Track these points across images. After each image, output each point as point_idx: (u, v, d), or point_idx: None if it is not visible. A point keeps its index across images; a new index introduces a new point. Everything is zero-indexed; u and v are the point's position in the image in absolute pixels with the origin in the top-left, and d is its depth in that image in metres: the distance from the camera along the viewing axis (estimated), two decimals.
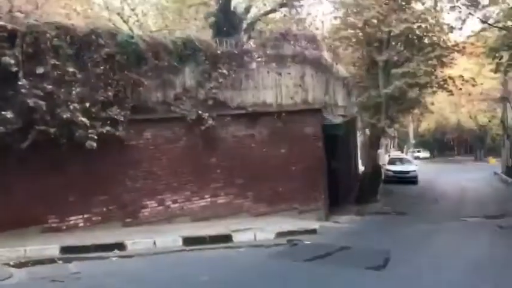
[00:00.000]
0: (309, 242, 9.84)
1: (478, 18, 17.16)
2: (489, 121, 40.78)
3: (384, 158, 33.30)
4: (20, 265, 7.75)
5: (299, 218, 12.37)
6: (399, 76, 15.75)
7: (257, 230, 10.48)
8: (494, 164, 37.61)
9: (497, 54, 14.15)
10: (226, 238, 9.85)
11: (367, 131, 23.25)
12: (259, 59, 12.40)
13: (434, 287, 6.83)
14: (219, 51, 11.87)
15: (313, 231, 10.88)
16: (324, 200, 13.01)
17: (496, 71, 16.25)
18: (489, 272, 7.76)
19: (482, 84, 24.68)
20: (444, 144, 59.22)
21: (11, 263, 7.82)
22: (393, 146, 53.95)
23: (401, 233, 11.52)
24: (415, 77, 15.58)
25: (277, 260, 8.42)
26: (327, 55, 17.10)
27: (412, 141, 52.02)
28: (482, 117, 42.19)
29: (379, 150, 39.75)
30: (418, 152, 54.09)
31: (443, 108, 44.40)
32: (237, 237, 9.94)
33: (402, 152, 46.99)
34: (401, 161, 28.93)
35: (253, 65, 12.27)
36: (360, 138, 28.67)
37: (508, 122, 29.15)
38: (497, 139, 40.82)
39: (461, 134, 52.89)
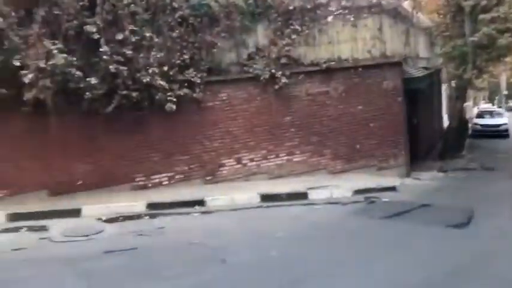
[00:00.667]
0: (387, 200, 9.67)
1: None
2: None
3: (472, 111, 31.38)
4: (111, 220, 8.43)
5: (378, 175, 12.13)
6: (488, 22, 14.47)
7: (334, 188, 10.45)
8: None
9: None
10: (302, 195, 9.94)
11: (453, 83, 21.86)
12: (333, 12, 11.98)
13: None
14: (291, 7, 11.62)
15: (392, 189, 10.63)
16: (404, 156, 12.61)
17: None
18: None
19: None
20: None
21: (104, 218, 8.52)
22: (483, 99, 50.46)
23: (487, 190, 10.91)
24: (507, 22, 14.24)
25: (354, 217, 8.39)
26: (407, 3, 16.14)
27: (505, 92, 48.19)
28: None
29: (466, 103, 37.49)
30: (510, 103, 50.17)
31: None
32: (313, 195, 9.99)
33: (493, 105, 43.87)
34: (491, 114, 27.01)
35: (328, 19, 11.88)
36: (445, 92, 27.10)
37: None
38: None
39: None
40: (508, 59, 25.00)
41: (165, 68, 10.24)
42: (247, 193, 10.00)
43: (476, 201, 9.18)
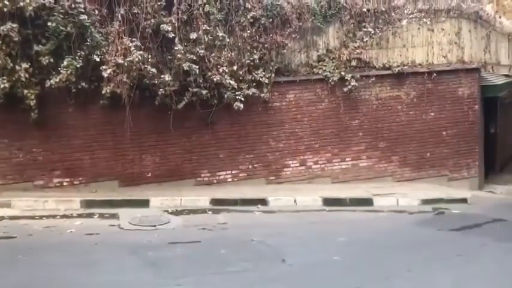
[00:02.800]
0: (457, 211, 9.23)
1: None
2: None
3: None
4: (176, 213, 8.69)
5: (448, 185, 11.67)
6: None
7: (400, 196, 10.13)
8: None
9: None
10: (366, 201, 9.72)
11: None
12: (408, 15, 11.61)
13: None
14: (364, 9, 11.39)
15: (463, 200, 10.16)
16: (478, 167, 12.03)
17: None
18: None
19: None
20: None
21: (169, 210, 8.80)
22: None
23: None
24: None
25: (420, 226, 8.09)
26: (489, 6, 15.30)
27: None
28: None
29: None
30: None
31: None
32: (378, 202, 9.74)
33: None
34: None
35: (403, 22, 11.54)
36: None
37: None
38: None
39: None
40: None
41: (235, 68, 10.39)
42: (309, 195, 9.93)
43: None
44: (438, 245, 7.02)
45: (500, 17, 14.93)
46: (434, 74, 11.54)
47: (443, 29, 11.56)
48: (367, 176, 11.55)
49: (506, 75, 15.76)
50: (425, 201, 9.83)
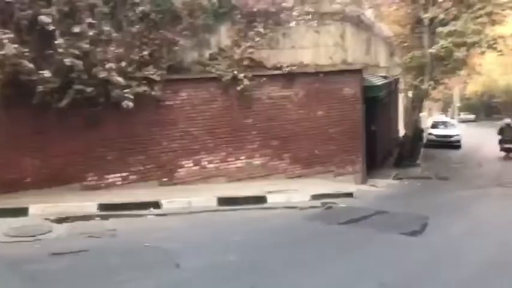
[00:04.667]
0: (344, 205, 9.70)
1: None
2: None
3: (426, 122, 32.32)
4: (59, 220, 8.01)
5: (335, 181, 12.22)
6: (445, 35, 14.94)
7: (292, 192, 10.41)
8: None
9: None
10: (260, 199, 9.83)
11: (410, 93, 22.45)
12: (297, 17, 11.98)
13: (469, 255, 6.57)
14: (255, 9, 11.54)
15: (349, 195, 10.70)
16: (361, 163, 12.76)
17: None
18: None
19: None
20: (491, 107, 56.61)
21: (52, 218, 8.09)
22: (437, 109, 52.20)
23: (441, 198, 11.18)
24: (463, 36, 14.76)
25: (311, 222, 8.35)
26: (369, 13, 16.44)
27: (458, 104, 50.09)
28: None
29: (422, 114, 38.67)
30: (463, 115, 52.20)
31: (493, 70, 42.27)
32: (272, 199, 9.90)
33: (446, 116, 45.44)
34: (445, 124, 27.97)
35: (291, 23, 11.87)
36: (402, 101, 27.83)
37: None
38: None
39: (510, 98, 50.32)
40: (462, 72, 25.98)
41: (123, 64, 9.91)
42: (204, 196, 9.80)
43: (431, 210, 9.34)
44: (327, 238, 7.28)
45: (378, 23, 16.11)
46: (322, 75, 12.04)
47: (329, 32, 12.09)
48: (261, 174, 11.73)
49: (384, 77, 17.09)
50: (315, 197, 10.19)
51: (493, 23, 16.71)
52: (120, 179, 10.60)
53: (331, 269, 5.83)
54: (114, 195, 9.68)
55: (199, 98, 11.22)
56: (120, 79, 9.74)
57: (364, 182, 12.87)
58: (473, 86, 47.71)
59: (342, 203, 9.93)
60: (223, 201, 9.53)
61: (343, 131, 12.48)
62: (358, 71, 12.72)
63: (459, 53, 15.13)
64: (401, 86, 23.98)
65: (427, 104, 42.77)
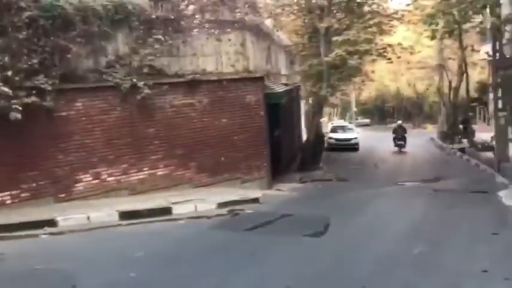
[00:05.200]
0: (250, 211, 9.76)
1: None
2: (427, 89, 42.24)
3: (327, 126, 33.85)
4: None
5: (242, 187, 12.28)
6: (339, 44, 15.75)
7: (198, 201, 10.24)
8: (431, 130, 39.22)
9: (433, 21, 14.41)
10: (165, 211, 9.54)
11: (310, 99, 23.40)
12: (198, 25, 11.89)
13: (369, 253, 6.90)
14: (153, 16, 11.27)
15: (255, 200, 10.78)
16: (266, 168, 12.95)
17: (432, 38, 16.66)
18: (424, 233, 8.01)
19: (419, 52, 25.37)
20: (385, 111, 61.03)
21: None
22: (336, 115, 55.02)
23: (342, 198, 11.67)
24: (355, 45, 15.64)
25: (217, 230, 8.27)
26: (268, 22, 16.85)
27: (354, 109, 53.17)
28: (420, 85, 43.62)
29: (322, 119, 40.45)
30: (360, 119, 55.55)
31: (384, 76, 45.51)
32: (177, 210, 9.66)
33: (345, 120, 48.01)
34: (343, 128, 29.48)
35: (191, 31, 11.75)
36: (304, 107, 28.93)
37: (443, 90, 30.22)
38: (434, 106, 42.44)
39: (401, 102, 54.60)
40: (356, 79, 27.61)
41: (9, 73, 9.12)
42: (105, 211, 9.29)
43: (333, 210, 9.73)
44: (233, 246, 7.25)
45: (277, 31, 16.56)
46: (224, 82, 12.07)
47: (229, 40, 12.15)
48: (166, 185, 11.42)
49: (285, 84, 17.61)
50: (222, 205, 10.13)
51: (382, 32, 17.96)
52: (9, 197, 9.71)
53: (236, 278, 5.78)
54: (2, 216, 8.83)
55: (96, 108, 10.66)
56: (5, 89, 8.94)
57: (270, 187, 13.07)
58: (368, 92, 50.97)
59: (248, 209, 9.98)
60: (125, 215, 9.11)
61: (247, 137, 12.59)
62: (260, 79, 12.94)
63: (353, 61, 16.02)
64: (302, 93, 24.98)
65: (327, 109, 45.04)
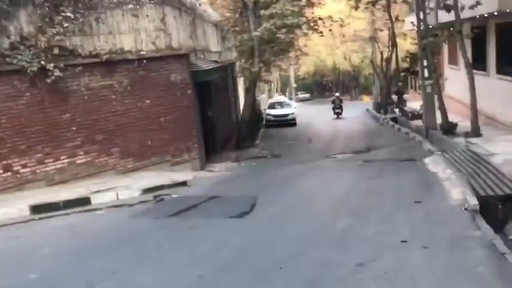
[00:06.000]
0: (177, 195, 9.35)
1: None
2: (361, 61, 43.01)
3: (267, 103, 33.73)
4: None
5: (171, 170, 11.84)
6: (268, 18, 15.39)
7: (121, 189, 9.71)
8: (368, 101, 40.10)
9: None
10: (83, 201, 8.95)
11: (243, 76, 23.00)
12: (111, 0, 11.10)
13: (294, 229, 6.73)
14: None
15: (183, 184, 10.37)
16: (198, 149, 12.54)
17: (356, 8, 16.66)
18: (350, 206, 7.96)
19: (349, 24, 25.53)
20: (323, 86, 61.84)
21: None
22: (276, 91, 55.10)
23: (274, 175, 11.50)
24: (283, 18, 15.33)
25: (138, 219, 7.83)
26: None
27: (294, 85, 53.46)
28: (355, 57, 44.34)
29: (262, 95, 40.36)
30: (299, 94, 56.01)
31: (320, 51, 45.92)
32: (97, 199, 9.09)
33: (285, 96, 48.20)
34: (281, 104, 29.41)
35: (105, 7, 10.94)
36: (242, 85, 28.57)
37: (376, 61, 30.78)
38: (370, 78, 43.36)
39: (338, 76, 55.46)
40: (291, 54, 27.53)
41: None
42: (16, 205, 8.58)
43: (262, 188, 9.53)
44: (152, 235, 6.85)
45: (200, 5, 15.87)
46: (145, 61, 11.40)
47: (147, 16, 11.46)
48: (88, 173, 10.76)
49: (216, 61, 17.09)
50: (147, 190, 9.66)
51: (310, 5, 17.77)
52: None
53: (150, 269, 5.41)
54: None
55: (1, 94, 9.76)
56: None
57: (202, 168, 12.70)
58: (306, 67, 51.30)
59: (176, 193, 9.59)
60: (38, 208, 8.45)
61: (175, 118, 12.08)
62: (185, 56, 12.37)
63: (282, 35, 15.73)
64: (238, 69, 24.57)
65: (266, 85, 44.95)
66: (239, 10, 19.59)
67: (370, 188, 9.32)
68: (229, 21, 20.64)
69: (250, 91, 19.72)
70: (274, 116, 26.82)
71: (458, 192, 7.91)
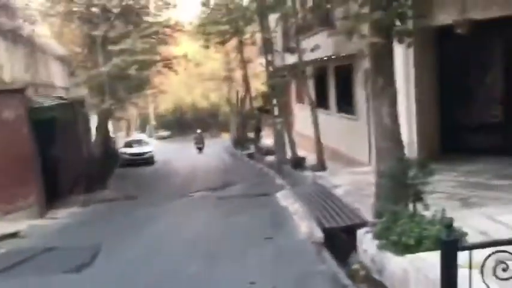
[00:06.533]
0: (3, 250, 8.09)
1: None
2: (219, 100, 44.09)
3: (124, 141, 32.38)
4: None
5: (4, 219, 10.39)
6: (117, 53, 14.81)
7: None
8: (227, 138, 40.94)
9: (206, 31, 14.62)
10: None
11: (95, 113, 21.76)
12: None
13: (140, 280, 6.16)
14: None
15: (14, 235, 9.08)
16: (36, 194, 11.29)
17: (206, 46, 17.00)
18: (201, 248, 7.62)
19: (205, 64, 26.06)
20: (184, 123, 61.80)
21: None
22: (135, 129, 53.47)
23: (124, 220, 10.73)
24: (134, 54, 14.89)
25: None
26: (32, 28, 14.93)
27: (153, 122, 52.55)
28: (213, 96, 45.33)
29: (119, 133, 38.72)
30: (160, 132, 55.20)
31: (179, 89, 46.03)
32: None
33: (145, 133, 46.95)
34: (138, 143, 28.42)
35: None
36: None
37: (232, 100, 31.73)
38: (228, 116, 44.47)
39: (198, 113, 56.03)
40: (149, 91, 27.02)
41: None
42: None
43: (108, 235, 8.73)
44: None
45: (40, 38, 14.71)
46: None
47: None
48: None
49: (60, 97, 15.85)
50: None
51: (162, 42, 17.64)
52: None
53: None
54: None
55: None
56: None
57: (42, 215, 11.41)
58: (166, 104, 50.93)
59: (4, 246, 8.29)
60: None
61: (8, 160, 10.74)
62: (20, 91, 11.17)
63: (132, 72, 15.24)
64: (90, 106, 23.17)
65: (123, 123, 43.35)
66: (88, 45, 18.62)
67: (223, 227, 9.13)
68: (77, 56, 19.50)
69: (101, 129, 18.67)
70: (130, 154, 25.74)
71: (305, 225, 8.10)
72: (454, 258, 2.67)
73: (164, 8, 16.46)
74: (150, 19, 16.86)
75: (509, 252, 2.71)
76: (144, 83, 20.42)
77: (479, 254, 2.71)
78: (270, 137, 25.91)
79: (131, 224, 10.14)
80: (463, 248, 2.70)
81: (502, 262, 2.70)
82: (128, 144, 27.77)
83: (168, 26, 17.22)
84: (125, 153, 25.92)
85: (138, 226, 9.75)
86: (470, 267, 2.74)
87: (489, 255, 2.70)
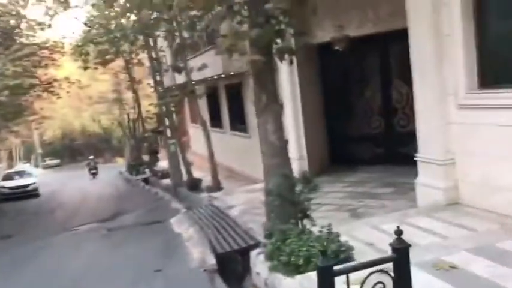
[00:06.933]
0: None
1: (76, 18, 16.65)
2: (111, 123, 42.14)
3: (5, 173, 29.49)
4: None
5: None
6: None
7: None
8: (122, 163, 39.11)
9: (83, 51, 13.77)
10: None
11: None
12: None
13: None
14: None
15: None
16: None
17: (84, 68, 16.10)
18: (87, 284, 6.89)
19: (90, 86, 24.72)
20: (74, 149, 58.26)
21: None
22: (19, 159, 49.19)
23: None
24: (4, 79, 13.50)
25: None
26: None
27: (39, 150, 48.82)
28: (104, 119, 43.22)
29: (0, 165, 35.32)
30: (48, 160, 51.45)
31: (67, 113, 43.28)
32: None
33: (31, 163, 43.36)
34: (20, 174, 26.00)
35: None
36: None
37: (124, 122, 30.42)
38: (121, 140, 42.67)
39: (88, 138, 53.14)
40: (31, 118, 24.93)
41: None
42: None
43: None
44: None
45: None
46: None
47: None
48: None
49: None
50: None
51: (39, 65, 16.32)
52: None
53: None
54: None
55: None
56: None
57: None
58: (52, 131, 47.61)
59: None
60: None
61: None
62: None
63: (2, 98, 13.78)
64: None
65: (3, 154, 39.66)
66: None
67: (111, 261, 8.40)
68: None
69: None
70: (10, 188, 23.41)
71: (198, 252, 7.70)
72: (331, 283, 2.50)
73: (38, 28, 15.18)
74: (23, 40, 15.45)
75: (385, 271, 2.60)
76: (21, 109, 18.72)
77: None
78: (165, 159, 25.19)
79: (7, 264, 9.00)
80: (339, 273, 2.53)
81: (380, 282, 2.58)
82: (8, 177, 25.29)
83: (45, 48, 15.92)
84: (4, 187, 23.53)
85: (10, 270, 8.62)
86: None
87: (367, 277, 2.55)
